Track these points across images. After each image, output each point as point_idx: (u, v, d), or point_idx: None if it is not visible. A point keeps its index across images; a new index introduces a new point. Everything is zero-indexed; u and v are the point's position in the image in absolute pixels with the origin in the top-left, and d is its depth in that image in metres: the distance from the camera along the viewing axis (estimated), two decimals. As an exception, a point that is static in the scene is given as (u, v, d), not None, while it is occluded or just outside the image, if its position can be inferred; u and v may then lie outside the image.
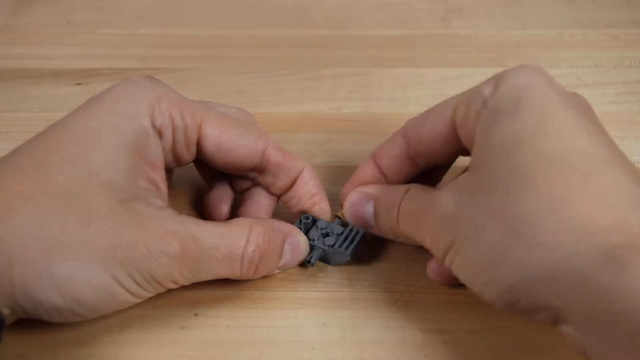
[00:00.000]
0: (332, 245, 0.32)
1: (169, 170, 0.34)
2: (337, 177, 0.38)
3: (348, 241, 0.32)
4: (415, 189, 0.30)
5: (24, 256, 0.25)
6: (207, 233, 0.28)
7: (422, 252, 0.33)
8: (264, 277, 0.31)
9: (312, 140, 0.40)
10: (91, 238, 0.26)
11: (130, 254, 0.26)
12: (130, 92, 0.29)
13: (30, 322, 0.29)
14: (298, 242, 0.31)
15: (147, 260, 0.27)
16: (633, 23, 0.51)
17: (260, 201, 0.33)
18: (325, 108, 0.43)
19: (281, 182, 0.32)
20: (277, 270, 0.32)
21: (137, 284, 0.27)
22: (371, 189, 0.32)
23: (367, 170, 0.32)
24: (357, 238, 0.32)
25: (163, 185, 0.29)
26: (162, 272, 0.27)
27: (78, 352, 0.29)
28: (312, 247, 0.32)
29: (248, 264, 0.29)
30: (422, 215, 0.29)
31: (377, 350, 0.29)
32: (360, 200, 0.32)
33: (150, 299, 0.31)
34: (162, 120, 0.29)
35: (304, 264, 0.32)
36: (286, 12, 0.53)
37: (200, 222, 0.28)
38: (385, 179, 0.32)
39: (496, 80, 0.28)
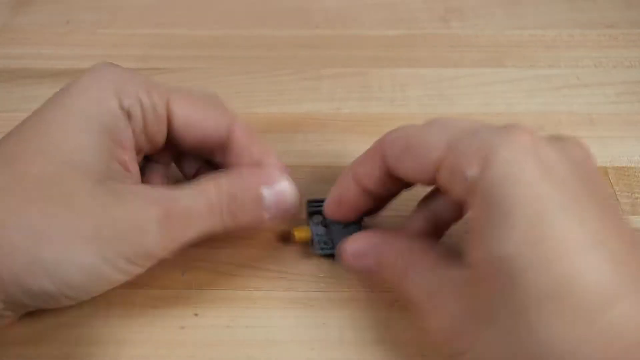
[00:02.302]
0: (318, 240, 0.32)
1: (165, 167, 0.34)
2: (336, 177, 0.38)
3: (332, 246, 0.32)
4: (418, 259, 0.28)
5: (9, 247, 0.25)
6: (183, 192, 0.29)
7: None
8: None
9: (311, 140, 0.40)
10: (74, 221, 0.26)
11: (118, 230, 0.26)
12: (96, 78, 0.29)
13: (28, 321, 0.29)
14: (279, 186, 0.31)
15: (135, 232, 0.27)
16: (633, 23, 0.51)
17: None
18: (325, 108, 0.43)
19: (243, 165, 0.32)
20: (268, 216, 0.31)
21: (128, 260, 0.27)
22: (372, 238, 0.30)
23: (351, 191, 0.31)
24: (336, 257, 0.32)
25: (133, 166, 0.30)
26: (151, 241, 0.27)
27: (77, 352, 0.29)
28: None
29: (225, 211, 0.29)
30: (425, 304, 0.27)
31: (376, 351, 0.29)
32: (361, 251, 0.30)
33: (150, 299, 0.31)
34: (130, 101, 0.29)
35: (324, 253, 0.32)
36: (286, 12, 0.53)
37: (173, 186, 0.29)
38: (370, 196, 0.31)
39: (482, 161, 0.25)
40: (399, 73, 0.46)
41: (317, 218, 0.33)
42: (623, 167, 0.39)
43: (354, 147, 0.40)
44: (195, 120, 0.31)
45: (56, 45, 0.49)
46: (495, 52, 0.48)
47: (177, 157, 0.34)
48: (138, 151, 0.31)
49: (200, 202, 0.29)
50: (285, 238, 0.34)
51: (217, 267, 0.32)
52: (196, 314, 0.31)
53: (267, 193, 0.31)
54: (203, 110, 0.31)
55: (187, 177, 0.35)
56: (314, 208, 0.33)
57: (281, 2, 0.54)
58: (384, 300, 0.31)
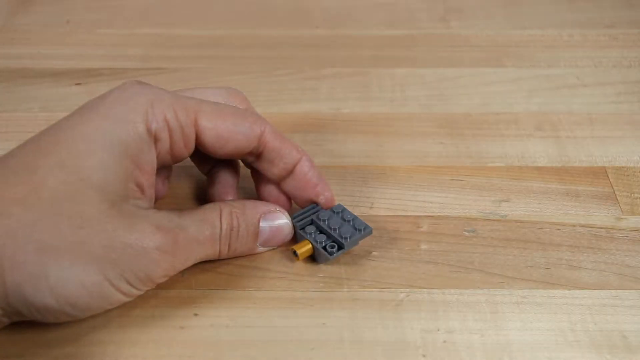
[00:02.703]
0: (324, 247, 0.32)
1: (167, 168, 0.34)
2: (337, 177, 0.38)
3: (337, 245, 0.32)
4: None
5: (17, 259, 0.26)
6: (190, 221, 0.29)
7: (420, 253, 0.34)
8: (250, 256, 0.33)
9: (311, 140, 0.40)
10: (84, 241, 0.26)
11: (125, 254, 0.27)
12: (124, 99, 0.29)
13: (28, 322, 0.29)
14: (276, 220, 0.32)
15: (141, 258, 0.27)
16: (633, 23, 0.51)
17: (226, 180, 0.34)
18: (325, 108, 0.43)
19: (277, 169, 0.32)
20: (261, 249, 0.33)
21: (130, 283, 0.28)
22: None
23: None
24: (347, 246, 0.32)
25: (149, 190, 0.30)
26: (156, 268, 0.28)
27: (77, 352, 0.29)
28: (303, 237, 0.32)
29: (223, 241, 0.31)
30: None
31: (376, 351, 0.29)
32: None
33: (150, 298, 0.31)
34: (157, 124, 0.29)
35: (325, 256, 0.32)
36: (286, 12, 0.53)
37: (180, 213, 0.30)
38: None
39: None
40: (399, 73, 0.46)
41: (311, 228, 0.33)
42: (622, 167, 0.39)
43: (354, 147, 0.40)
44: (225, 136, 0.31)
45: (56, 45, 0.49)
46: (495, 52, 0.48)
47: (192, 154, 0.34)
48: (161, 167, 0.31)
49: (205, 233, 0.30)
50: (290, 258, 0.33)
51: (217, 267, 0.32)
52: (196, 314, 0.31)
53: (265, 226, 0.32)
54: (233, 124, 0.31)
55: (202, 172, 0.36)
56: (303, 221, 0.33)
57: (281, 2, 0.54)
58: (384, 300, 0.31)
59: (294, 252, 0.32)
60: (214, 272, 0.32)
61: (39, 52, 0.48)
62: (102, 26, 0.51)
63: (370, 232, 0.33)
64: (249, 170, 0.35)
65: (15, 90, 0.44)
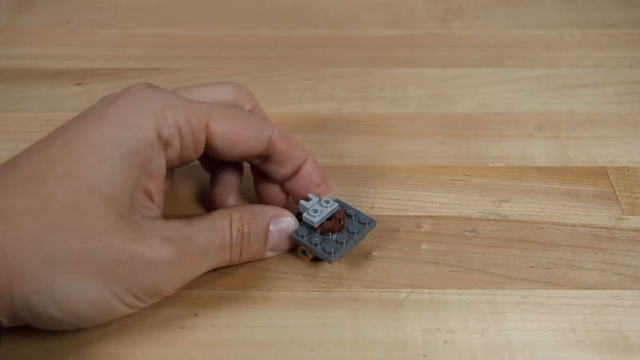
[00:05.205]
0: (323, 250, 0.31)
1: (170, 170, 0.34)
2: (337, 177, 0.38)
3: (336, 245, 0.31)
4: None
5: (24, 271, 0.26)
6: (199, 230, 0.29)
7: (421, 253, 0.33)
8: (259, 261, 0.32)
9: (312, 140, 0.40)
10: (91, 254, 0.26)
11: (132, 269, 0.27)
12: (134, 105, 0.29)
13: (30, 322, 0.29)
14: (284, 223, 0.32)
15: (149, 272, 0.27)
16: (633, 23, 0.51)
17: (228, 181, 0.34)
18: (325, 108, 0.43)
19: (284, 170, 0.32)
20: (270, 253, 0.33)
21: (137, 297, 0.28)
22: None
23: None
24: (346, 246, 0.32)
25: (158, 197, 0.30)
26: (164, 282, 0.28)
27: (78, 352, 0.29)
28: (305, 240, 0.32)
29: (234, 248, 0.30)
30: None
31: (376, 351, 0.29)
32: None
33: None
34: (169, 131, 0.29)
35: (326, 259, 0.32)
36: (286, 12, 0.53)
37: (188, 221, 0.29)
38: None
39: None
40: (399, 73, 0.46)
41: (303, 230, 0.32)
42: (623, 167, 0.39)
43: (354, 147, 0.40)
44: (236, 140, 0.30)
45: (56, 45, 0.49)
46: (495, 52, 0.48)
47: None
48: (170, 168, 0.31)
49: (214, 241, 0.30)
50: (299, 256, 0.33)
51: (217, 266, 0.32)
52: (196, 314, 0.31)
53: (274, 230, 0.32)
54: (243, 127, 0.31)
55: (207, 170, 0.35)
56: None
57: (281, 2, 0.54)
58: (384, 300, 0.31)
59: (303, 252, 0.32)
60: (214, 272, 0.32)
61: (39, 52, 0.48)
62: (103, 26, 0.51)
63: (375, 225, 0.33)
64: (249, 170, 0.35)
65: (15, 90, 0.44)
